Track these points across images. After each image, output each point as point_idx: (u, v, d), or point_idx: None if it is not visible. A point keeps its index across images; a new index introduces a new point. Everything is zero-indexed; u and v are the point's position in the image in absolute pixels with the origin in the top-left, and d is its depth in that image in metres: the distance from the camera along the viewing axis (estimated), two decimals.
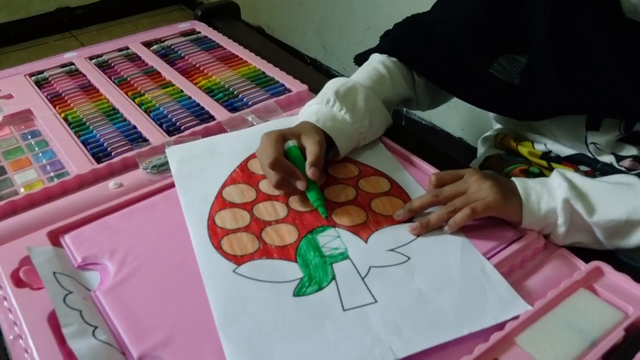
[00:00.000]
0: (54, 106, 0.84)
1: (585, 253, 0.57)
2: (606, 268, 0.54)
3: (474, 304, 0.51)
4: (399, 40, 0.76)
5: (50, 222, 0.62)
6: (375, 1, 1.56)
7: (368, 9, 1.60)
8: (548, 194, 0.57)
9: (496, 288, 0.53)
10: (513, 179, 0.60)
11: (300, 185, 0.61)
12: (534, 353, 0.47)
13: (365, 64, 0.77)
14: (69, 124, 0.80)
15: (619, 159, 0.68)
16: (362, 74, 0.74)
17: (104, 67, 0.95)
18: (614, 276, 0.53)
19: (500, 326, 0.49)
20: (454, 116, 1.35)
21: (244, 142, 0.72)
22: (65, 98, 0.86)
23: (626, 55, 0.59)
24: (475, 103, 0.73)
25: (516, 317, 0.49)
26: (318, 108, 0.68)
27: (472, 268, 0.55)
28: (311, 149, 0.62)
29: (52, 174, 0.71)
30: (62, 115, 0.82)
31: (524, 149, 0.74)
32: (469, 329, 0.49)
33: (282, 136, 0.64)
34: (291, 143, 0.63)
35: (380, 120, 0.72)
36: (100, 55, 0.98)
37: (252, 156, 0.70)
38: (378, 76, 0.73)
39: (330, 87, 0.71)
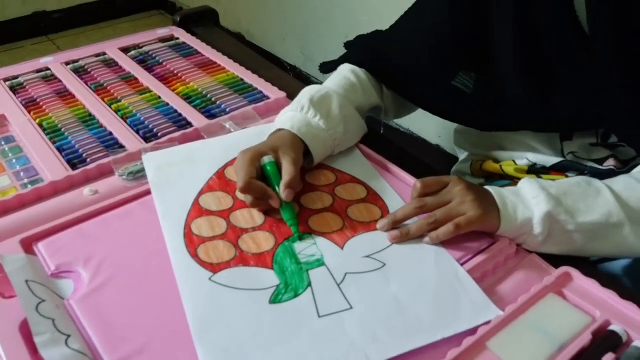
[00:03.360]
0: (29, 112, 0.83)
1: (555, 258, 0.58)
2: (575, 273, 0.55)
3: (447, 309, 0.52)
4: (367, 53, 0.78)
5: (24, 230, 0.62)
6: (354, 9, 1.57)
7: (347, 17, 1.62)
8: (523, 205, 0.58)
9: (469, 294, 0.53)
10: (489, 188, 0.61)
11: (274, 204, 0.62)
12: (505, 357, 0.48)
13: (336, 73, 0.78)
14: (44, 130, 0.79)
15: (599, 162, 0.70)
16: (334, 82, 0.75)
17: (81, 72, 0.94)
18: (582, 281, 0.54)
19: (472, 331, 0.50)
20: (431, 124, 1.37)
21: (222, 149, 0.73)
22: (41, 104, 0.85)
23: (590, 72, 0.61)
24: (440, 114, 0.75)
25: (488, 322, 0.50)
26: (293, 115, 0.69)
27: (446, 274, 0.55)
28: (287, 169, 0.62)
29: (26, 180, 0.71)
30: (37, 121, 0.81)
31: (509, 168, 0.75)
32: (442, 334, 0.50)
33: (258, 153, 0.64)
34: (267, 159, 0.64)
35: (355, 127, 0.73)
36: (77, 61, 0.97)
37: (230, 163, 0.70)
38: (350, 85, 0.75)
39: (305, 94, 0.71)
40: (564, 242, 0.59)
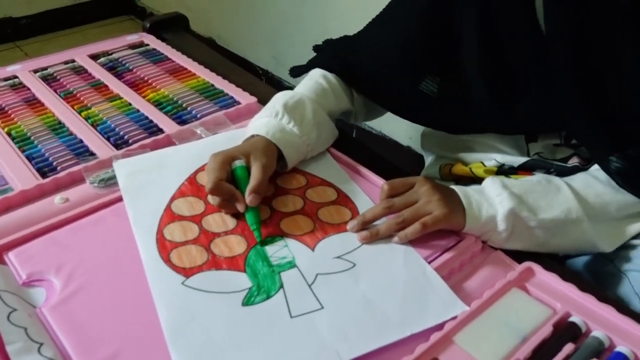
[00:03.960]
0: None
1: (519, 254, 0.61)
2: (537, 268, 0.57)
3: (416, 306, 0.54)
4: (337, 58, 0.79)
5: None
6: (324, 15, 1.59)
7: (317, 22, 1.63)
8: (487, 203, 0.60)
9: (437, 291, 0.55)
10: (454, 187, 0.63)
11: (240, 207, 0.62)
12: (471, 350, 0.49)
13: (308, 78, 0.79)
14: (13, 139, 0.79)
15: (564, 161, 0.73)
16: (306, 88, 0.76)
17: (50, 80, 0.94)
18: (543, 275, 0.57)
19: (439, 326, 0.51)
20: (402, 126, 1.39)
21: (193, 155, 0.73)
22: (9, 112, 0.85)
23: (550, 77, 0.64)
24: (408, 117, 0.77)
25: (455, 318, 0.52)
26: (267, 121, 0.70)
27: (414, 272, 0.57)
28: (255, 174, 0.63)
29: None
30: (6, 129, 0.81)
31: (478, 170, 0.77)
32: (411, 330, 0.51)
33: (229, 157, 0.65)
34: (238, 163, 0.64)
35: (327, 132, 0.75)
36: (46, 68, 0.97)
37: (201, 169, 0.71)
38: (322, 90, 0.76)
39: (279, 100, 0.72)
40: (526, 238, 0.61)
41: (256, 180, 0.62)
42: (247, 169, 0.64)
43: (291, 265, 0.58)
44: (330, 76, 0.78)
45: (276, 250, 0.60)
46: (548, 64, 0.64)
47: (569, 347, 0.49)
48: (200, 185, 0.69)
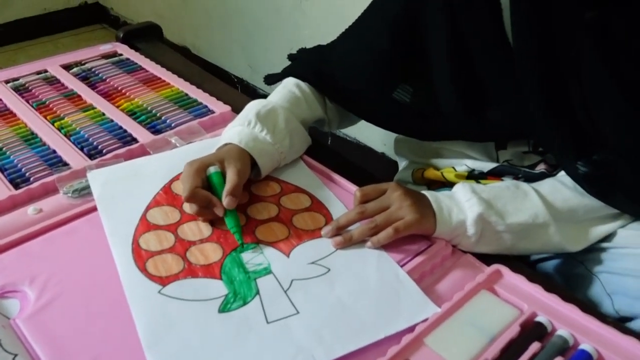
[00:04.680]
0: None
1: (488, 257, 0.62)
2: (504, 270, 0.59)
3: (389, 309, 0.55)
4: (310, 67, 0.81)
5: None
6: (297, 23, 1.61)
7: (291, 30, 1.65)
8: (457, 207, 0.62)
9: (409, 293, 0.57)
10: (425, 193, 0.65)
11: (218, 212, 0.63)
12: (441, 352, 0.51)
13: (281, 87, 0.80)
14: None
15: (532, 167, 0.75)
16: (279, 96, 0.78)
17: (21, 90, 0.93)
18: (511, 277, 0.59)
19: (411, 328, 0.53)
20: (376, 133, 1.41)
21: (168, 164, 0.74)
22: None
23: (517, 87, 0.66)
24: (381, 125, 0.79)
25: (426, 320, 0.53)
26: (240, 129, 0.71)
27: (387, 276, 0.59)
28: (230, 177, 0.64)
29: None
30: None
31: (449, 175, 0.79)
32: (385, 332, 0.52)
33: (204, 164, 0.65)
34: (212, 169, 0.65)
35: (300, 140, 0.76)
36: (17, 79, 0.96)
37: (176, 178, 0.71)
38: (295, 99, 0.77)
39: (251, 109, 0.73)
40: (495, 241, 0.63)
41: (232, 183, 0.63)
42: (222, 175, 0.65)
43: (267, 271, 0.59)
44: (304, 85, 0.79)
45: (252, 257, 0.61)
46: (516, 76, 0.66)
47: (535, 346, 0.51)
48: (176, 195, 0.69)
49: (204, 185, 0.64)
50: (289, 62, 0.87)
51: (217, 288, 0.57)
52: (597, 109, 0.64)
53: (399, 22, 0.74)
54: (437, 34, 0.71)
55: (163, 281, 0.57)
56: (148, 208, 0.67)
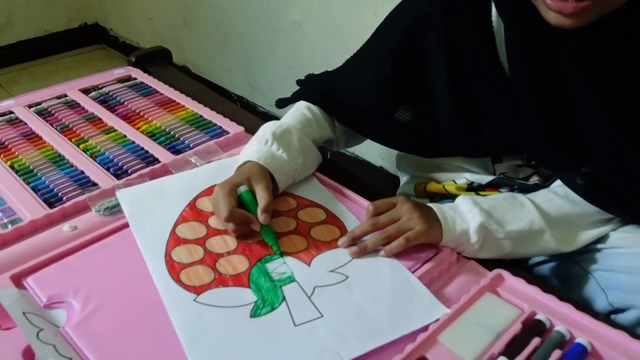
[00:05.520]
0: None
1: (489, 262, 0.69)
2: (505, 274, 0.65)
3: (404, 311, 0.61)
4: (319, 92, 0.87)
5: (11, 267, 0.66)
6: (296, 44, 1.68)
7: (290, 50, 1.72)
8: (460, 218, 0.69)
9: (421, 297, 0.63)
10: (430, 205, 0.71)
11: (255, 227, 0.69)
12: (453, 348, 0.57)
13: (293, 109, 0.86)
14: (16, 172, 0.83)
15: (526, 179, 0.82)
16: (292, 118, 0.84)
17: (45, 114, 0.99)
18: (512, 280, 0.65)
19: (425, 328, 0.59)
20: (374, 148, 1.47)
21: (190, 182, 0.79)
22: (9, 146, 0.89)
23: (511, 108, 0.73)
24: (386, 144, 0.86)
25: (437, 320, 0.59)
26: (258, 148, 0.77)
27: (400, 281, 0.64)
28: (261, 195, 0.70)
29: (5, 220, 0.74)
30: (8, 163, 0.85)
31: (450, 187, 0.86)
32: (401, 332, 0.58)
33: (234, 185, 0.71)
34: (242, 189, 0.71)
35: (312, 158, 0.82)
36: (39, 103, 1.02)
37: (200, 195, 0.77)
38: (306, 120, 0.83)
39: (268, 129, 0.79)
40: (496, 248, 0.70)
41: (265, 200, 0.69)
42: (250, 192, 0.71)
43: (291, 279, 0.65)
44: (314, 107, 0.85)
45: (276, 267, 0.66)
46: (510, 96, 0.73)
47: (536, 341, 0.57)
48: (201, 211, 0.75)
49: (237, 204, 0.70)
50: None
51: (247, 295, 0.63)
52: (585, 126, 0.71)
53: (401, 48, 0.81)
54: (436, 60, 0.78)
55: (197, 290, 0.63)
56: (176, 224, 0.72)
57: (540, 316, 0.60)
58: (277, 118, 0.85)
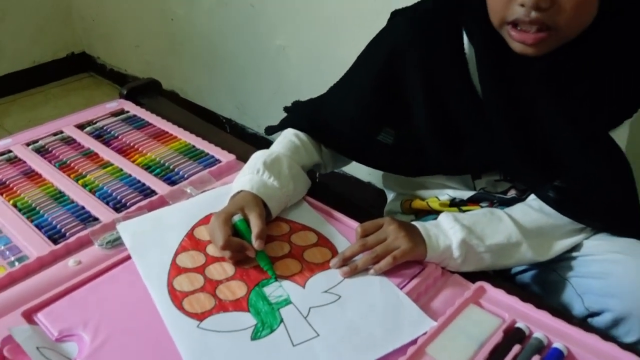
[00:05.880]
0: (1, 194, 0.91)
1: (472, 275, 0.73)
2: (487, 286, 0.70)
3: (394, 326, 0.65)
4: (306, 119, 0.92)
5: (21, 303, 0.70)
6: (281, 68, 1.73)
7: (276, 74, 1.77)
8: (443, 235, 0.73)
9: (409, 312, 0.67)
10: (414, 223, 0.76)
11: (250, 254, 0.74)
12: (441, 358, 0.61)
13: (282, 137, 0.91)
14: (19, 210, 0.87)
15: (504, 193, 0.87)
16: (280, 146, 0.88)
17: (42, 152, 1.02)
18: (493, 291, 0.69)
19: (413, 341, 0.63)
20: (361, 165, 1.53)
21: (187, 212, 0.84)
22: (10, 185, 0.93)
23: (486, 129, 0.78)
24: (370, 164, 0.91)
25: (425, 333, 0.64)
26: (251, 177, 0.81)
27: (389, 298, 0.69)
28: (255, 222, 0.74)
29: (12, 258, 0.78)
30: (11, 202, 0.89)
31: (434, 204, 0.91)
32: (392, 346, 0.63)
33: (229, 214, 0.76)
34: (237, 218, 0.75)
35: (302, 183, 0.87)
36: (37, 141, 1.05)
37: (197, 224, 0.81)
38: (295, 147, 0.88)
39: (259, 158, 0.84)
40: (477, 261, 0.74)
41: (258, 228, 0.74)
42: (245, 221, 0.75)
43: (287, 302, 0.69)
44: (301, 134, 0.90)
45: (273, 290, 0.71)
46: (484, 118, 0.78)
47: (516, 348, 0.62)
48: (199, 240, 0.79)
49: (232, 232, 0.74)
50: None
51: (247, 319, 0.67)
52: (554, 143, 0.76)
53: (381, 76, 0.86)
54: (414, 86, 0.83)
55: (199, 317, 0.67)
56: (177, 253, 0.76)
57: (520, 324, 0.65)
58: (266, 139, 0.90)
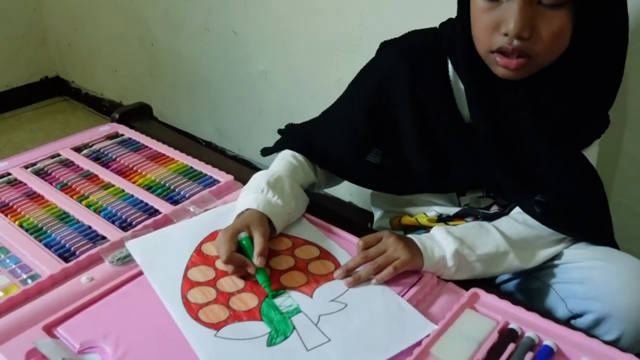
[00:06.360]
0: (6, 215, 0.92)
1: (465, 283, 0.80)
2: (480, 292, 0.76)
3: (398, 330, 0.71)
4: (301, 141, 0.98)
5: (39, 319, 0.72)
6: (262, 91, 1.79)
7: (257, 97, 1.82)
8: (437, 246, 0.80)
9: (411, 317, 0.73)
10: (410, 236, 0.82)
11: (251, 270, 0.78)
12: (444, 358, 0.67)
13: (280, 158, 0.96)
14: (27, 230, 0.89)
15: (487, 208, 0.94)
16: (280, 166, 0.93)
17: (42, 174, 1.04)
18: (486, 297, 0.76)
19: (419, 343, 0.68)
20: (343, 184, 1.59)
21: (193, 230, 0.88)
22: (14, 207, 0.95)
23: (471, 150, 0.86)
24: (361, 184, 0.98)
25: (428, 335, 0.69)
26: (256, 196, 0.86)
27: (392, 305, 0.74)
28: (257, 241, 0.79)
29: (24, 276, 0.80)
30: (17, 223, 0.91)
31: (422, 219, 0.97)
32: (399, 348, 0.68)
33: (236, 231, 0.80)
34: (242, 235, 0.80)
35: (302, 201, 0.92)
36: (35, 164, 1.07)
37: (204, 240, 0.85)
38: (293, 168, 0.94)
39: (262, 178, 0.89)
40: (469, 270, 0.81)
41: (260, 246, 0.78)
42: (249, 238, 0.80)
43: (297, 310, 0.74)
44: (298, 155, 0.96)
45: (283, 301, 0.75)
46: (469, 140, 0.85)
47: (511, 347, 0.68)
48: (207, 255, 0.83)
49: (237, 248, 0.79)
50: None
51: (261, 328, 0.71)
52: (536, 161, 0.84)
53: (371, 102, 0.93)
54: (403, 111, 0.90)
55: (216, 327, 0.71)
56: (187, 269, 0.80)
57: (512, 325, 0.71)
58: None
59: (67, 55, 2.53)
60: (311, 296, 0.76)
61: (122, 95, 2.38)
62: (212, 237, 0.86)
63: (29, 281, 0.79)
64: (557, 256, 0.85)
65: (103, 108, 2.46)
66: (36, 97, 2.56)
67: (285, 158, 0.95)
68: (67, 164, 1.08)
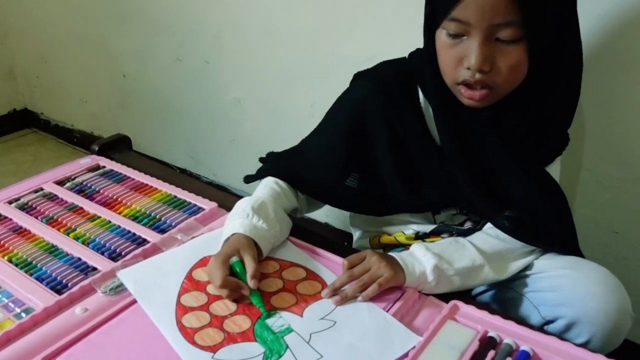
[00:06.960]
0: None
1: (445, 296, 0.85)
2: (460, 303, 0.81)
3: (386, 344, 0.75)
4: (283, 168, 1.02)
5: (36, 351, 0.73)
6: (237, 118, 1.83)
7: (231, 124, 1.86)
8: (417, 262, 0.85)
9: (397, 330, 0.77)
10: (391, 254, 0.87)
11: (245, 292, 0.82)
12: None
13: (263, 185, 1.00)
14: (16, 265, 0.90)
15: (461, 225, 1.00)
16: (264, 192, 0.98)
17: (27, 209, 1.06)
18: (465, 308, 0.81)
19: (406, 354, 0.73)
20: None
21: (183, 257, 0.91)
22: (2, 242, 0.96)
23: (443, 170, 0.92)
24: (341, 207, 1.03)
25: (414, 347, 0.74)
26: (242, 221, 0.90)
27: (378, 320, 0.79)
28: (249, 264, 0.83)
29: (17, 310, 0.81)
30: (5, 258, 0.92)
31: (401, 237, 1.03)
32: None
33: (227, 256, 0.84)
34: (234, 259, 0.84)
35: (286, 225, 0.96)
36: (18, 199, 1.08)
37: (194, 267, 0.88)
38: (276, 193, 0.98)
39: (247, 204, 0.92)
40: (448, 283, 0.86)
41: (252, 269, 0.82)
42: (240, 262, 0.83)
43: (289, 330, 0.77)
44: (281, 182, 1.00)
45: (275, 321, 0.79)
46: (442, 162, 0.92)
47: (491, 354, 0.73)
48: (198, 281, 0.86)
49: (229, 272, 0.82)
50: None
51: (255, 348, 0.74)
52: (504, 179, 0.90)
53: (348, 130, 0.98)
54: (379, 137, 0.96)
55: (212, 349, 0.74)
56: (180, 295, 0.83)
57: (491, 333, 0.76)
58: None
59: (35, 88, 2.53)
60: (301, 315, 0.80)
61: (93, 125, 2.38)
62: (201, 263, 0.89)
63: (23, 315, 0.80)
64: (529, 267, 0.91)
65: (74, 139, 2.45)
66: (4, 130, 2.53)
67: (268, 185, 0.99)
68: (51, 197, 1.10)
